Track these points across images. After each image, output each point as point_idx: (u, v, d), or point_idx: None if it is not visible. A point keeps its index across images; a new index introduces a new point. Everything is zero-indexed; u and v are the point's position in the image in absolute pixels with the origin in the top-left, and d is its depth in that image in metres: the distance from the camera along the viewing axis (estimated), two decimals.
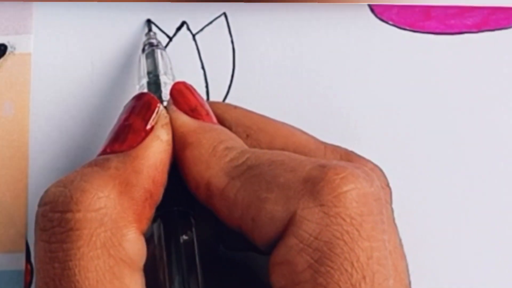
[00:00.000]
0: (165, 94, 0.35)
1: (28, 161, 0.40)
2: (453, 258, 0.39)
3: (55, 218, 0.30)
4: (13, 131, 0.40)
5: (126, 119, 0.33)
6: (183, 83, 0.34)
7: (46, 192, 0.31)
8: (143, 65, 0.37)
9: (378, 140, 0.40)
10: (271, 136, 0.34)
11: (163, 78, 0.36)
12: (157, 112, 0.32)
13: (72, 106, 0.40)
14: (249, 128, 0.34)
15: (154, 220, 0.32)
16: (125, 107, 0.34)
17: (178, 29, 0.40)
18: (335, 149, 0.34)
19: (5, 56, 0.40)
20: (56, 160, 0.40)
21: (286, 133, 0.34)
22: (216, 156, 0.31)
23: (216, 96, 0.40)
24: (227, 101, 0.40)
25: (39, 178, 0.40)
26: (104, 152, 0.32)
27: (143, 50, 0.38)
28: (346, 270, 0.28)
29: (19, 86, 0.40)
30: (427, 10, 0.41)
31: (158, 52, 0.37)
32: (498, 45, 0.41)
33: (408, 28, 0.41)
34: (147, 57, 0.37)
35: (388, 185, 0.34)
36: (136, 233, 0.30)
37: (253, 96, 0.40)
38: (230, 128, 0.34)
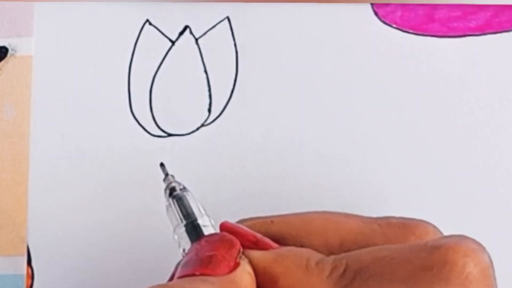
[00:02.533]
0: None
1: (29, 164, 0.40)
2: None
3: None
4: (14, 133, 0.40)
5: (208, 251, 0.32)
6: (229, 222, 0.34)
7: None
8: (175, 214, 0.34)
9: (380, 142, 0.40)
10: (324, 236, 0.33)
11: (201, 221, 0.34)
12: (240, 250, 0.32)
13: (73, 109, 0.40)
14: (298, 236, 0.33)
15: None
16: (200, 241, 0.33)
17: (181, 33, 0.40)
18: (389, 222, 0.33)
19: (6, 59, 0.40)
20: (57, 163, 0.40)
21: (335, 226, 0.33)
22: (314, 274, 0.30)
23: (219, 100, 0.40)
24: (229, 105, 0.40)
25: (40, 181, 0.40)
26: (192, 274, 0.31)
27: (169, 196, 0.35)
28: None
29: (20, 89, 0.40)
30: (430, 12, 0.41)
31: (187, 196, 0.35)
32: (502, 48, 0.41)
33: (411, 31, 0.41)
34: (177, 205, 0.35)
35: None
36: None
37: (256, 100, 0.40)
38: (278, 243, 0.33)
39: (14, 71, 0.40)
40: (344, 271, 0.30)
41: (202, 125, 0.40)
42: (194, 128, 0.40)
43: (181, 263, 0.32)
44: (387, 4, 0.41)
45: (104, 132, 0.40)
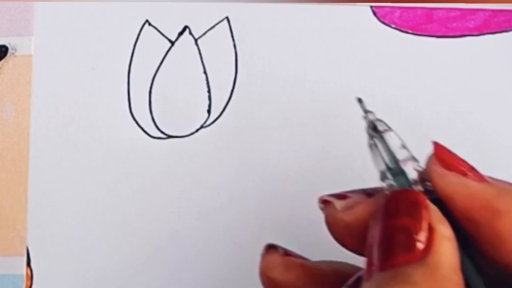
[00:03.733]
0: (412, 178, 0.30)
1: (29, 164, 0.40)
2: None
3: None
4: (13, 133, 0.40)
5: (395, 223, 0.27)
6: (441, 145, 0.30)
7: None
8: (382, 155, 0.31)
9: None
10: None
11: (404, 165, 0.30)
12: (427, 208, 0.27)
13: (73, 108, 0.40)
14: None
15: None
16: (382, 212, 0.28)
17: (180, 33, 0.40)
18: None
19: (6, 58, 0.40)
20: (57, 163, 0.40)
21: None
22: None
23: (219, 100, 0.40)
24: (229, 105, 0.40)
25: (39, 181, 0.40)
26: (393, 265, 0.27)
27: (372, 134, 0.32)
28: None
29: (20, 88, 0.40)
30: (429, 13, 0.41)
31: (390, 136, 0.31)
32: (500, 48, 0.41)
33: (410, 31, 0.41)
34: (382, 143, 0.31)
35: None
36: None
37: (255, 101, 0.40)
38: None
39: (14, 70, 0.40)
40: None
41: (202, 126, 0.40)
42: (194, 129, 0.40)
43: (374, 236, 0.27)
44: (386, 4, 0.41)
45: (103, 133, 0.40)
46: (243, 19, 0.40)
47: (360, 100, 0.32)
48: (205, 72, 0.40)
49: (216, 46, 0.40)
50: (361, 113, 0.32)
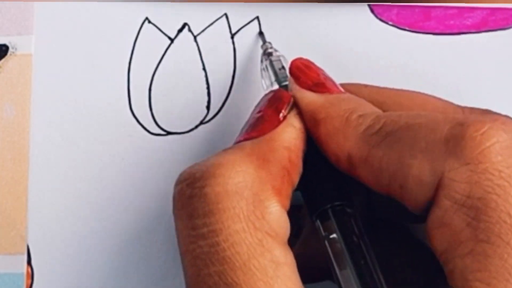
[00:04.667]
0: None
1: (29, 163, 0.40)
2: None
3: (194, 193, 0.29)
4: (13, 132, 0.40)
5: (259, 112, 0.33)
6: (300, 60, 0.35)
7: (181, 173, 0.31)
8: (271, 73, 0.37)
9: None
10: (407, 107, 0.34)
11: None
12: (288, 104, 0.33)
13: (73, 107, 0.40)
14: (383, 103, 0.34)
15: (313, 218, 0.32)
16: (257, 105, 0.34)
17: (180, 30, 0.40)
18: (473, 109, 0.34)
19: (6, 57, 0.40)
20: (57, 162, 0.40)
21: (421, 101, 0.34)
22: (351, 126, 0.31)
23: (217, 97, 0.40)
24: (228, 101, 0.40)
25: (39, 180, 0.40)
26: (238, 141, 0.32)
27: (264, 59, 0.38)
28: (505, 222, 0.28)
29: (20, 87, 0.40)
30: (427, 10, 0.41)
31: (282, 61, 0.37)
32: (497, 46, 0.41)
33: (408, 28, 0.41)
34: (270, 66, 0.37)
35: None
36: (278, 206, 0.30)
37: (254, 97, 0.40)
38: None
39: (14, 70, 0.40)
40: (379, 129, 0.31)
41: (201, 122, 0.40)
42: (193, 125, 0.40)
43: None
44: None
45: (103, 131, 0.40)
46: (242, 16, 0.41)
47: (261, 33, 0.39)
48: (204, 69, 0.40)
49: (215, 42, 0.40)
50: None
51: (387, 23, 0.41)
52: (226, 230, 0.29)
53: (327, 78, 0.34)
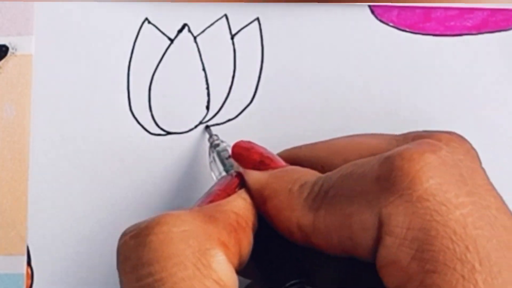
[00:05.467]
0: None
1: (29, 163, 0.40)
2: None
3: (138, 243, 0.29)
4: (13, 132, 0.40)
5: (212, 191, 0.33)
6: (240, 143, 0.35)
7: (125, 229, 0.30)
8: (218, 166, 0.37)
9: None
10: (343, 156, 0.34)
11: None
12: (239, 184, 0.33)
13: (73, 107, 0.40)
14: (320, 158, 0.34)
15: None
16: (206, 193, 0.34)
17: (180, 31, 0.41)
18: (406, 136, 0.34)
19: (6, 57, 0.40)
20: (57, 162, 0.40)
21: (356, 146, 0.34)
22: (294, 197, 0.31)
23: (217, 98, 0.40)
24: (227, 102, 0.40)
25: (39, 180, 0.40)
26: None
27: (211, 151, 0.38)
28: (448, 248, 0.28)
29: (20, 88, 0.40)
30: (427, 11, 0.41)
31: (229, 150, 0.37)
32: (498, 47, 0.41)
33: (408, 29, 0.41)
34: (218, 157, 0.37)
35: (469, 151, 0.32)
36: (224, 257, 0.29)
37: (254, 97, 0.40)
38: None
39: (14, 70, 0.40)
40: (318, 192, 0.31)
41: (201, 122, 0.40)
42: (193, 126, 0.40)
43: None
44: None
45: (103, 131, 0.40)
46: (242, 17, 0.41)
47: (207, 127, 0.40)
48: (204, 69, 0.40)
49: (215, 43, 0.40)
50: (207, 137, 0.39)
51: (387, 24, 0.41)
52: (172, 277, 0.28)
53: (269, 154, 0.34)
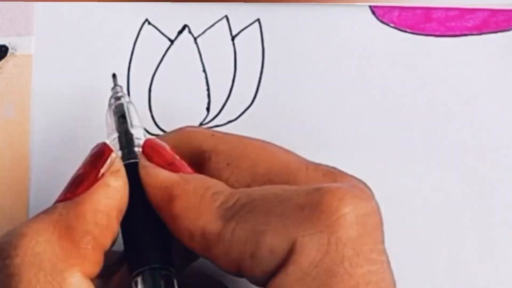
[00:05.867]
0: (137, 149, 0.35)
1: (29, 163, 0.40)
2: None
3: None
4: (13, 132, 0.40)
5: (80, 169, 0.33)
6: (154, 140, 0.34)
7: None
8: (112, 120, 0.36)
9: (379, 141, 0.40)
10: (252, 160, 0.33)
11: (135, 132, 0.36)
12: (110, 160, 0.33)
13: (73, 108, 0.40)
14: (229, 156, 0.34)
15: (135, 277, 0.32)
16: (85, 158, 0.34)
17: (180, 32, 0.40)
18: (317, 167, 0.33)
19: (6, 58, 0.40)
20: (57, 162, 0.40)
21: (267, 156, 0.34)
22: (206, 202, 0.31)
23: (218, 99, 0.40)
24: (228, 103, 0.40)
25: (40, 180, 0.40)
26: (57, 201, 0.32)
27: (110, 105, 0.37)
28: None
29: (20, 88, 0.40)
30: (428, 12, 0.41)
31: (127, 106, 0.36)
32: (499, 47, 0.41)
33: (409, 30, 0.41)
34: (115, 112, 0.36)
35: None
36: (78, 276, 0.30)
37: (254, 99, 0.40)
38: (209, 159, 0.34)
39: (14, 70, 0.40)
40: (233, 204, 0.31)
41: (201, 124, 0.40)
42: None
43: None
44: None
45: (103, 131, 0.40)
46: (242, 18, 0.41)
47: (114, 75, 0.38)
48: (204, 71, 0.40)
49: (215, 44, 0.40)
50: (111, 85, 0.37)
51: (388, 25, 0.41)
52: None
53: (179, 159, 0.34)
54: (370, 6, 0.41)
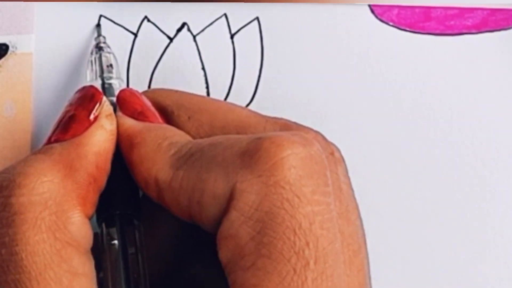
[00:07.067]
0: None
1: None
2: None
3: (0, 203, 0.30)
4: (14, 131, 0.40)
5: (70, 110, 0.34)
6: (129, 90, 0.35)
7: None
8: (95, 68, 0.37)
9: (378, 139, 0.40)
10: (211, 114, 0.34)
11: (115, 82, 0.37)
12: (100, 103, 0.33)
13: None
14: (190, 109, 0.35)
15: (99, 222, 0.33)
16: (69, 100, 0.35)
17: (179, 30, 0.41)
18: (276, 121, 0.34)
19: (6, 56, 0.40)
20: None
21: (226, 110, 0.35)
22: (161, 151, 0.32)
23: (217, 97, 0.40)
24: (227, 101, 0.40)
25: None
26: (48, 142, 0.33)
27: (96, 52, 0.38)
28: (289, 238, 0.28)
29: (20, 86, 0.40)
30: (427, 11, 0.41)
31: (110, 57, 0.38)
32: (498, 46, 0.41)
33: (408, 29, 0.41)
34: (99, 60, 0.37)
35: (333, 153, 0.33)
36: (81, 216, 0.31)
37: (254, 98, 0.41)
38: (172, 113, 0.35)
39: (15, 68, 0.40)
40: (185, 153, 0.31)
41: None
42: None
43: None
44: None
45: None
46: (241, 16, 0.41)
47: (98, 25, 0.39)
48: (203, 69, 0.40)
49: (214, 42, 0.41)
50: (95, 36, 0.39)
51: (387, 23, 0.41)
52: (26, 240, 0.29)
53: (150, 109, 0.35)
54: (369, 5, 0.41)
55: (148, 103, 0.35)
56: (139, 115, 0.34)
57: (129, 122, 0.34)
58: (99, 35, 0.39)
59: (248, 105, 0.40)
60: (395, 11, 0.41)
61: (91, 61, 0.37)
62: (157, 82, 0.40)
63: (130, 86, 0.40)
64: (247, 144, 0.30)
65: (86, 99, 0.34)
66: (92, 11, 0.40)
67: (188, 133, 0.34)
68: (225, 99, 0.40)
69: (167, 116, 0.35)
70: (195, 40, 0.40)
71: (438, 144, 0.40)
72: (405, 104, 0.41)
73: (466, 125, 0.41)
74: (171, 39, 0.40)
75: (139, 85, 0.40)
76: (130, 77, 0.40)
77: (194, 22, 0.41)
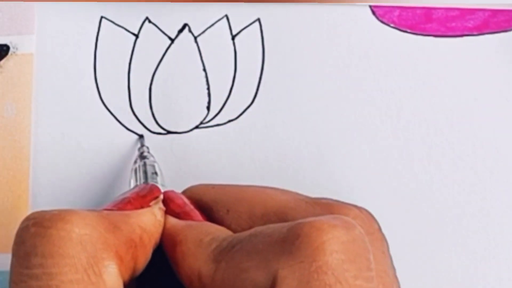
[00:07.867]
0: None
1: (30, 162, 0.40)
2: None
3: (38, 232, 0.29)
4: (15, 131, 0.40)
5: (126, 194, 0.34)
6: (172, 191, 0.35)
7: (29, 214, 0.30)
8: (139, 175, 0.37)
9: (379, 140, 0.40)
10: (250, 204, 0.34)
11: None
12: (156, 199, 0.34)
13: (74, 106, 0.40)
14: (227, 202, 0.34)
15: None
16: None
17: (180, 31, 0.41)
18: (316, 201, 0.34)
19: (7, 57, 0.40)
20: (58, 161, 0.40)
21: (264, 197, 0.34)
22: (202, 247, 0.32)
23: (218, 98, 0.40)
24: (228, 103, 0.40)
25: (41, 178, 0.40)
26: (104, 210, 0.33)
27: (136, 161, 0.38)
28: None
29: (21, 87, 0.40)
30: (428, 12, 0.41)
31: (155, 166, 0.38)
32: (499, 48, 0.41)
33: (409, 30, 0.41)
34: (143, 167, 0.38)
35: (376, 232, 0.33)
36: (116, 270, 0.30)
37: (255, 99, 0.41)
38: (211, 209, 0.35)
39: (15, 69, 0.40)
40: (226, 246, 0.31)
41: (201, 123, 0.40)
42: (193, 125, 0.40)
43: None
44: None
45: (104, 129, 0.40)
46: (242, 17, 0.41)
47: (141, 136, 0.40)
48: (204, 70, 0.40)
49: (216, 44, 0.40)
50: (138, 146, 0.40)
51: (388, 25, 0.41)
52: (61, 276, 0.28)
53: (192, 209, 0.35)
54: (370, 6, 0.41)
55: (187, 201, 0.35)
56: (181, 214, 0.34)
57: (172, 221, 0.34)
58: (142, 145, 0.39)
59: (249, 106, 0.40)
60: (396, 13, 0.41)
61: (135, 170, 0.38)
62: (158, 83, 0.40)
63: (131, 87, 0.40)
64: (287, 231, 0.29)
65: (146, 191, 0.34)
66: (93, 12, 0.40)
67: (228, 226, 0.33)
68: (226, 100, 0.40)
69: (207, 213, 0.35)
70: (196, 41, 0.40)
71: (439, 145, 0.40)
72: (405, 105, 0.41)
73: (467, 127, 0.41)
74: (172, 40, 0.40)
75: (140, 86, 0.40)
76: (132, 78, 0.40)
77: (195, 23, 0.40)
